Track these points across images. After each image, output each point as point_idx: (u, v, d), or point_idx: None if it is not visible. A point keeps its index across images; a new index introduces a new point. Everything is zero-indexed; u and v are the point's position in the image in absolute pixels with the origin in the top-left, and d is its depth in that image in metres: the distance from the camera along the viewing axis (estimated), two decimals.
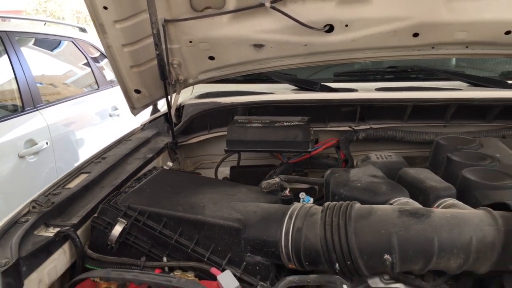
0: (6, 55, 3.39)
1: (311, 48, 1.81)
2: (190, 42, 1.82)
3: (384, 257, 1.01)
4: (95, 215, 1.23)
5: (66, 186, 1.38)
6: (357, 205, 1.12)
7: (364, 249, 1.03)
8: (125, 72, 1.86)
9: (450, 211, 1.09)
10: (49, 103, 3.66)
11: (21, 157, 3.11)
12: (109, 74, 4.98)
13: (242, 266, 1.16)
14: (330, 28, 1.74)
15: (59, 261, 1.12)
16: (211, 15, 1.73)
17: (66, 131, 3.79)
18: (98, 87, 4.64)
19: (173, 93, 1.95)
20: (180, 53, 1.85)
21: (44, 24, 5.12)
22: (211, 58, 1.90)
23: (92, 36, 5.06)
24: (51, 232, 1.15)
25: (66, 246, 1.15)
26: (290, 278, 0.99)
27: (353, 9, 1.67)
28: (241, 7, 1.70)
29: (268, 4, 1.67)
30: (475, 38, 1.70)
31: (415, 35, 1.71)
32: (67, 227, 1.16)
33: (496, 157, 1.41)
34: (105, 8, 1.61)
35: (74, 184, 1.40)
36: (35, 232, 1.13)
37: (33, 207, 1.20)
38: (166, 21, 1.70)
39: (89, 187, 1.40)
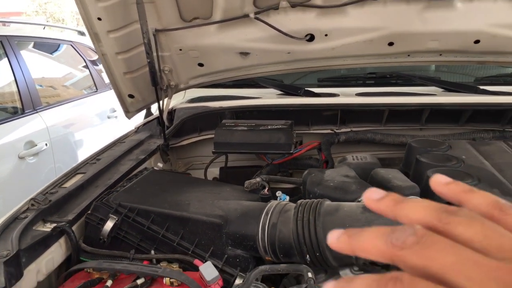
0: (6, 59, 3.51)
1: (294, 55, 1.93)
2: (180, 50, 1.93)
3: None
4: (89, 212, 1.34)
5: (63, 186, 1.49)
6: (327, 202, 1.23)
7: None
8: (119, 78, 1.97)
9: None
10: (48, 106, 3.77)
11: (21, 158, 3.22)
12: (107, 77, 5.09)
13: (223, 258, 1.27)
14: (311, 37, 1.86)
15: (55, 253, 1.23)
16: (199, 25, 1.84)
17: (65, 132, 3.90)
18: (97, 89, 4.75)
19: (165, 97, 2.06)
20: (171, 60, 1.97)
21: (43, 28, 5.24)
22: (201, 64, 2.01)
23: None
24: (48, 227, 1.25)
25: (62, 240, 1.26)
26: (262, 267, 1.10)
27: (331, 20, 1.78)
28: (227, 18, 1.81)
29: (252, 15, 1.78)
30: (447, 47, 1.82)
31: (390, 44, 1.82)
32: (63, 223, 1.26)
33: (461, 159, 1.52)
34: (99, 19, 1.72)
35: (70, 183, 1.51)
36: (33, 227, 1.23)
37: (32, 205, 1.31)
38: (157, 30, 1.82)
39: (84, 187, 1.51)
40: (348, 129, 2.00)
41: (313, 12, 1.77)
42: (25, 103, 3.51)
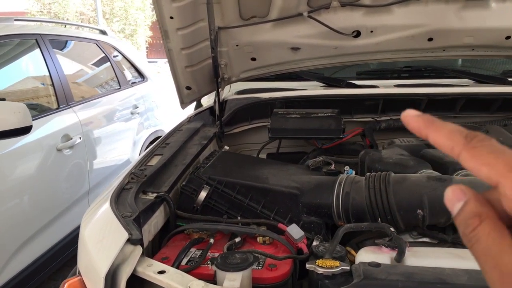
0: (41, 57, 3.70)
1: (341, 50, 2.13)
2: (237, 45, 2.13)
3: (417, 212, 1.32)
4: (184, 183, 1.53)
5: (148, 164, 1.68)
6: (393, 174, 1.43)
7: (401, 206, 1.33)
8: (180, 72, 2.16)
9: (467, 178, 1.40)
10: (79, 102, 3.96)
11: (59, 150, 3.40)
12: (128, 74, 5.29)
13: (299, 224, 1.46)
14: (357, 34, 2.06)
15: (159, 218, 1.42)
16: (256, 23, 2.04)
17: (95, 127, 4.08)
18: (120, 86, 4.92)
19: (219, 89, 2.26)
20: (228, 55, 2.16)
21: (65, 27, 5.42)
22: (253, 59, 2.21)
23: (112, 38, 5.35)
24: (150, 196, 1.45)
25: (162, 207, 1.45)
26: (348, 225, 1.29)
27: (377, 18, 1.98)
28: (282, 16, 2.01)
29: (305, 14, 1.98)
30: (480, 42, 2.02)
31: (430, 39, 2.02)
32: (162, 193, 1.45)
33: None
34: (171, 18, 1.91)
35: (153, 162, 1.70)
36: (139, 196, 1.43)
37: (132, 178, 1.50)
38: (219, 28, 2.01)
39: (166, 165, 1.70)
40: (388, 117, 2.20)
41: (360, 11, 1.97)
42: (59, 98, 3.70)
